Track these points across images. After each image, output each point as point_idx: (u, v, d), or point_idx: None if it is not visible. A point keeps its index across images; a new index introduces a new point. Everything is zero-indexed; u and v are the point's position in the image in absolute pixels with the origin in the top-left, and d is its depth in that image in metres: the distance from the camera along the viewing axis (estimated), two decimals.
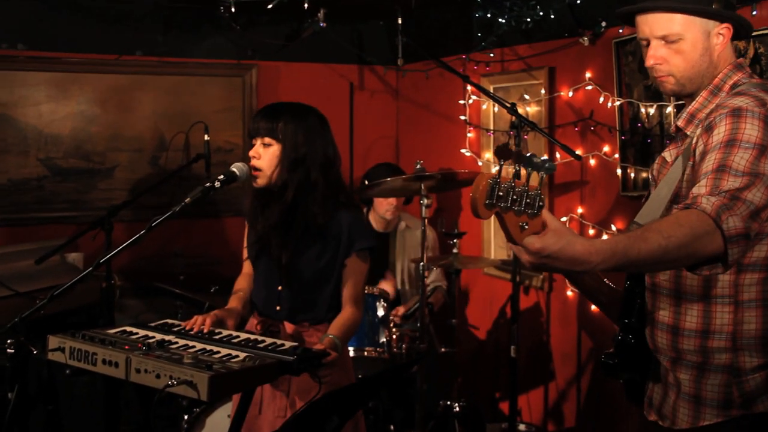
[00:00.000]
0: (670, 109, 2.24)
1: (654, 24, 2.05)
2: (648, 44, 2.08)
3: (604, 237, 1.93)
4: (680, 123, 2.12)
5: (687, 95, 2.11)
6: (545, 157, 1.69)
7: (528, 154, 1.63)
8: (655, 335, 2.11)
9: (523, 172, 1.62)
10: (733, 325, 2.00)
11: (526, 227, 1.64)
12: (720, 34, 2.05)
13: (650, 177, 2.27)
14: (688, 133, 2.09)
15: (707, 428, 2.03)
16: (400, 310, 4.18)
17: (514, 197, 1.60)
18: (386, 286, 4.30)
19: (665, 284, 2.10)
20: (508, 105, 3.77)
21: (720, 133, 1.90)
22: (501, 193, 1.59)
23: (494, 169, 1.60)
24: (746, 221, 1.75)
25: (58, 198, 4.71)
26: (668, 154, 2.17)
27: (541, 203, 1.64)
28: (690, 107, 2.10)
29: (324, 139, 2.75)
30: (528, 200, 1.62)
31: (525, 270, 4.37)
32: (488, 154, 4.67)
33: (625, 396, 2.23)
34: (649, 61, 2.08)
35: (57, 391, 3.76)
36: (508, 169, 1.65)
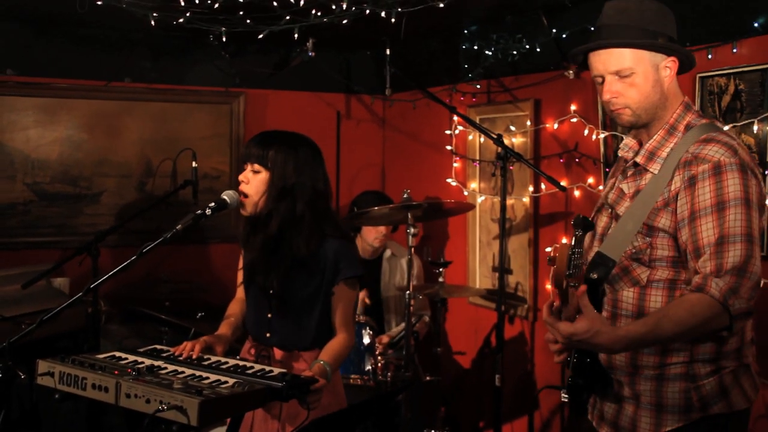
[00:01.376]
0: (623, 151, 2.39)
1: (607, 61, 2.20)
2: (603, 81, 2.23)
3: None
4: (640, 160, 2.26)
5: (642, 126, 2.27)
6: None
7: (583, 217, 1.99)
8: (612, 355, 2.22)
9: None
10: (690, 344, 2.15)
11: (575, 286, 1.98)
12: (667, 66, 2.22)
13: (603, 202, 2.39)
14: (651, 169, 2.22)
15: None
16: (384, 338, 4.19)
17: (576, 268, 2.00)
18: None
19: (628, 308, 2.22)
20: (494, 136, 3.83)
21: (705, 195, 2.08)
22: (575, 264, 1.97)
23: (576, 246, 2.00)
24: (749, 299, 2.00)
25: (45, 223, 4.70)
26: (626, 186, 2.29)
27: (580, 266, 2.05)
28: (648, 145, 2.24)
29: (314, 170, 2.75)
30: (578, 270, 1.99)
31: (510, 299, 4.41)
32: (474, 184, 4.72)
33: (571, 408, 2.43)
34: (606, 96, 2.23)
35: (40, 416, 3.73)
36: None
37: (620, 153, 2.40)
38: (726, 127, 3.21)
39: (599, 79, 2.24)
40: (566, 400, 2.30)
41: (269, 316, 2.79)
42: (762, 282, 2.07)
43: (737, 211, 2.04)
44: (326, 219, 2.76)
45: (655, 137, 2.24)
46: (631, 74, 2.19)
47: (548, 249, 4.09)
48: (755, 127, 3.14)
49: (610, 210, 2.32)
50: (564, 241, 4.08)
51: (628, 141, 2.37)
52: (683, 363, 2.16)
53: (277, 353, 2.79)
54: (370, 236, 4.51)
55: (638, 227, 2.17)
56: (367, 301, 4.30)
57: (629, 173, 2.30)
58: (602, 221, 2.35)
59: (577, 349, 2.19)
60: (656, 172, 2.20)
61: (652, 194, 2.18)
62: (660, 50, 2.19)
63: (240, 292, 2.96)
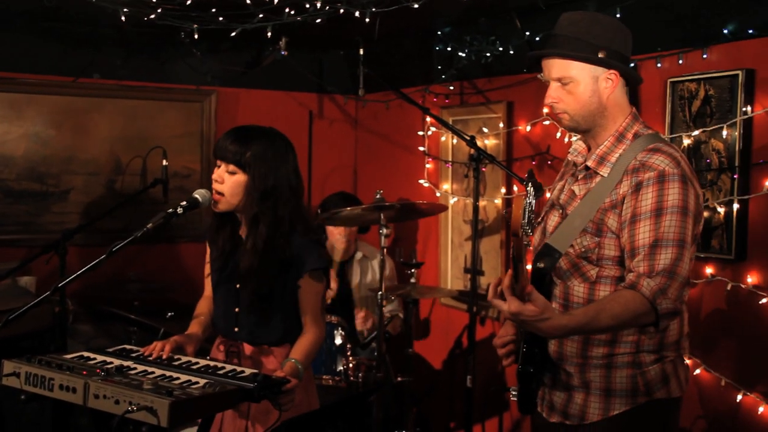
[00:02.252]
0: (572, 155, 2.52)
1: (552, 68, 2.36)
2: (549, 85, 2.39)
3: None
4: (591, 164, 2.39)
5: (582, 131, 2.42)
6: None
7: (530, 179, 2.09)
8: (564, 345, 2.37)
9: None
10: (637, 336, 2.31)
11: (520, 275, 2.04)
12: (609, 78, 2.34)
13: (554, 202, 2.52)
14: (601, 173, 2.36)
15: (617, 417, 2.31)
16: (361, 314, 4.23)
17: (530, 224, 2.06)
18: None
19: (579, 301, 2.35)
20: (467, 137, 3.83)
21: (647, 200, 2.23)
22: (530, 218, 2.05)
23: (530, 198, 2.08)
24: (675, 302, 2.17)
25: (10, 220, 4.62)
26: (577, 189, 2.43)
27: (534, 222, 2.11)
28: (599, 150, 2.38)
29: (288, 167, 2.74)
30: (530, 218, 2.06)
31: (482, 301, 4.42)
32: (446, 185, 4.72)
33: (519, 409, 2.48)
34: (547, 100, 2.39)
35: (4, 416, 3.67)
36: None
37: (569, 157, 2.53)
38: (695, 132, 3.27)
39: (547, 83, 2.40)
40: (515, 398, 2.44)
41: (236, 310, 2.77)
42: (691, 281, 2.26)
43: (673, 218, 2.20)
44: (299, 216, 2.75)
45: (605, 143, 2.37)
46: (570, 83, 2.33)
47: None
48: (724, 132, 3.18)
49: (560, 210, 2.46)
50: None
51: (577, 146, 2.51)
52: (630, 353, 2.31)
53: (247, 348, 2.77)
54: (333, 237, 4.49)
55: (585, 224, 2.32)
56: (332, 294, 4.29)
57: (580, 176, 2.44)
58: (553, 220, 2.48)
59: (526, 339, 2.33)
60: (605, 175, 2.34)
61: (600, 195, 2.32)
62: (599, 64, 2.32)
63: (208, 289, 2.93)
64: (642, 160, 2.28)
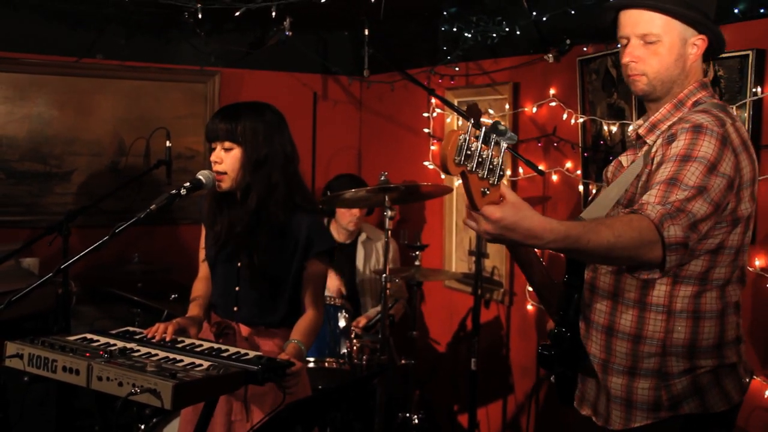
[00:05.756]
0: (632, 128, 2.33)
1: (636, 21, 2.12)
2: (627, 42, 2.16)
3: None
4: (641, 131, 2.21)
5: (655, 98, 2.18)
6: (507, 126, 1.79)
7: (494, 121, 1.67)
8: (589, 333, 2.20)
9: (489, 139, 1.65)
10: (664, 333, 2.10)
11: (487, 193, 1.67)
12: (695, 44, 2.14)
13: (604, 178, 2.36)
14: (648, 141, 2.17)
15: (638, 429, 2.14)
16: (362, 321, 4.17)
17: (480, 160, 1.63)
18: (331, 282, 4.22)
19: (604, 285, 2.18)
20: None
21: (678, 146, 1.99)
22: (469, 153, 1.61)
23: (468, 128, 1.62)
24: (686, 231, 1.86)
25: (13, 201, 4.61)
26: (625, 159, 2.26)
27: (501, 173, 1.67)
28: (653, 117, 2.19)
29: (282, 136, 2.74)
30: (491, 166, 1.65)
31: (486, 284, 4.40)
32: None
33: (558, 397, 2.29)
34: (626, 59, 2.16)
35: (8, 398, 3.67)
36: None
37: (630, 131, 2.34)
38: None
39: (624, 41, 2.17)
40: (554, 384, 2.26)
41: (237, 289, 2.76)
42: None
43: (699, 167, 1.94)
44: (297, 186, 2.75)
45: (661, 110, 2.17)
46: (656, 41, 2.11)
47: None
48: (734, 113, 3.14)
49: (607, 185, 2.28)
50: None
51: (640, 121, 2.29)
52: (656, 355, 2.11)
53: (244, 329, 2.76)
54: (345, 219, 4.48)
55: (620, 194, 2.11)
56: (343, 290, 4.27)
57: (630, 146, 2.28)
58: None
59: (560, 305, 2.07)
60: (651, 142, 2.15)
61: (640, 163, 2.13)
62: (693, 24, 2.11)
63: (203, 270, 2.92)
64: (683, 117, 2.08)
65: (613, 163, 2.34)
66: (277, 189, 2.68)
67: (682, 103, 2.15)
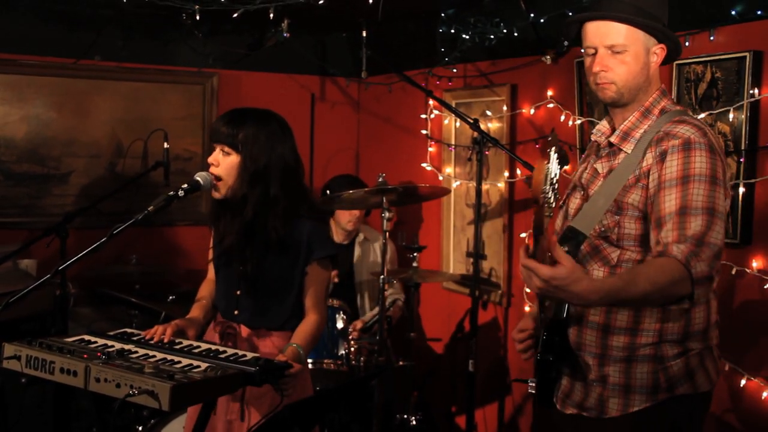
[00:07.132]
0: (596, 133, 2.44)
1: (604, 33, 2.23)
2: (595, 53, 2.26)
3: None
4: (614, 140, 2.30)
5: (622, 105, 2.30)
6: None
7: (563, 152, 1.91)
8: (583, 333, 2.27)
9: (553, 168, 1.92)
10: (660, 323, 2.20)
11: (551, 217, 1.88)
12: (656, 53, 2.27)
13: (576, 183, 2.43)
14: (623, 148, 2.27)
15: (637, 413, 2.22)
16: (358, 324, 4.17)
17: (553, 192, 1.89)
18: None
19: None
20: (471, 120, 3.80)
21: (673, 167, 2.13)
22: (547, 185, 1.89)
23: (553, 163, 1.88)
24: (710, 263, 2.01)
25: (11, 203, 4.60)
26: (600, 166, 2.34)
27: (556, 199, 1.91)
28: (624, 126, 2.29)
29: (284, 148, 2.71)
30: (555, 195, 1.89)
31: (484, 285, 4.41)
32: (449, 169, 4.69)
33: (537, 400, 2.36)
34: (596, 68, 2.26)
35: (5, 400, 3.66)
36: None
37: (593, 137, 2.44)
38: (701, 115, 3.23)
39: (591, 50, 2.27)
40: (533, 391, 2.32)
41: (238, 293, 2.76)
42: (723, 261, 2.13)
43: (701, 186, 2.08)
44: (300, 198, 2.73)
45: (630, 118, 2.29)
46: (623, 51, 2.22)
47: (523, 234, 4.09)
48: (731, 115, 3.15)
49: (582, 192, 2.37)
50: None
51: (601, 126, 2.42)
52: (652, 344, 2.20)
53: (244, 331, 2.76)
54: (344, 219, 4.48)
55: (609, 204, 2.21)
56: (336, 279, 4.27)
57: (603, 154, 2.35)
58: (574, 203, 2.38)
59: (547, 327, 2.21)
60: (629, 151, 2.25)
61: (625, 172, 2.22)
62: (654, 34, 2.23)
63: (211, 272, 2.93)
64: (666, 130, 2.18)
65: (587, 170, 2.40)
66: (276, 202, 2.66)
67: (648, 111, 2.28)
